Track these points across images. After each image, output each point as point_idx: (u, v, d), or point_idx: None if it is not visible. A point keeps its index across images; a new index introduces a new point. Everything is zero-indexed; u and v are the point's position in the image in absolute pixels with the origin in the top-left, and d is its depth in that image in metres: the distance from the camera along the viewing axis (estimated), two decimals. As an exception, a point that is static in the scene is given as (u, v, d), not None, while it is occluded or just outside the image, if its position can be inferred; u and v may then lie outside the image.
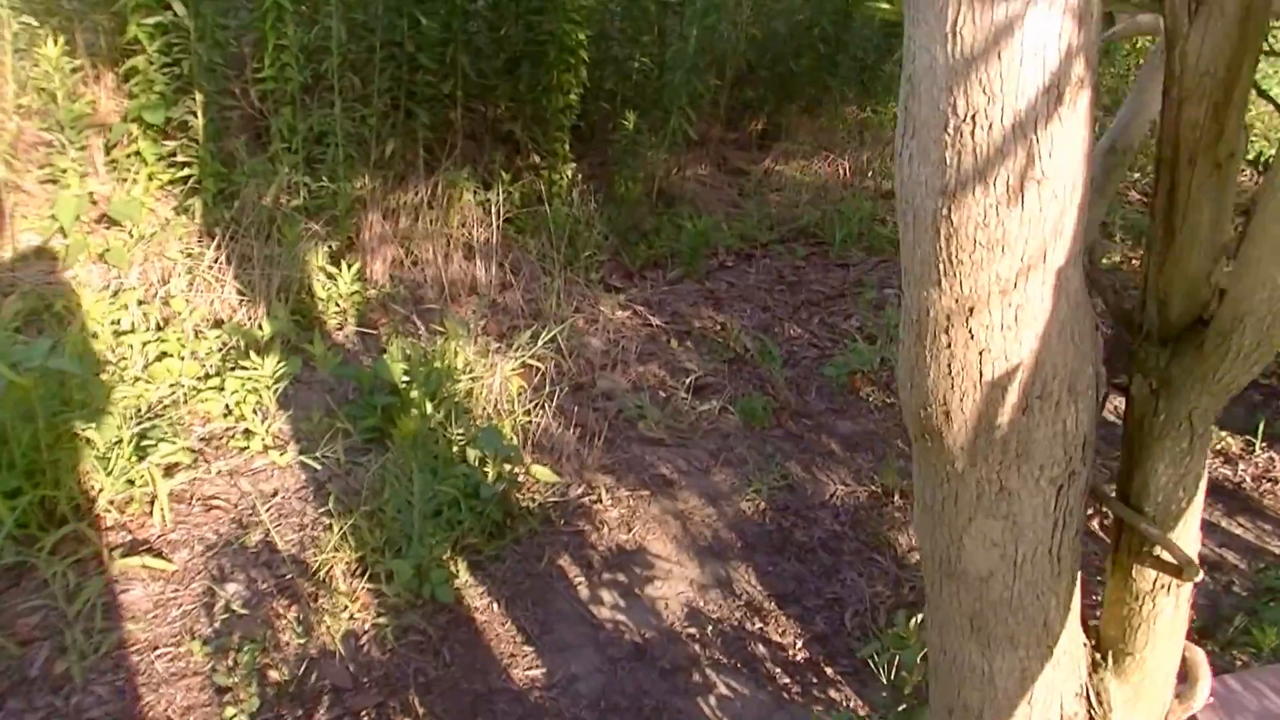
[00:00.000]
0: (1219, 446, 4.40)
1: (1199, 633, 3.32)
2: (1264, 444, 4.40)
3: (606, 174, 5.65)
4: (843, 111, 7.16)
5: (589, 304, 4.95)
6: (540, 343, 4.21)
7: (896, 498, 3.87)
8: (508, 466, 3.54)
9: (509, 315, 4.73)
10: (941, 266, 1.09)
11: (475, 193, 5.06)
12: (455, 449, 3.60)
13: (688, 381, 4.41)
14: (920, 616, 2.89)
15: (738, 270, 5.64)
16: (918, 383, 1.19)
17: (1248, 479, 4.22)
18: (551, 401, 4.02)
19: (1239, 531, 3.91)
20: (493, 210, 5.00)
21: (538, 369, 4.25)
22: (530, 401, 3.99)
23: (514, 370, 4.11)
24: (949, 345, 1.13)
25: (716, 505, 3.74)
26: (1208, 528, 3.85)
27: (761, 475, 3.90)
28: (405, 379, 3.81)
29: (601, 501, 3.67)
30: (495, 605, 3.18)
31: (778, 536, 3.63)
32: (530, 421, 3.90)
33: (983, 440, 1.15)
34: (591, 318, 4.84)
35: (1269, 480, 4.22)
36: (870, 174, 6.87)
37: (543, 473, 3.60)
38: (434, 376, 3.81)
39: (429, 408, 3.72)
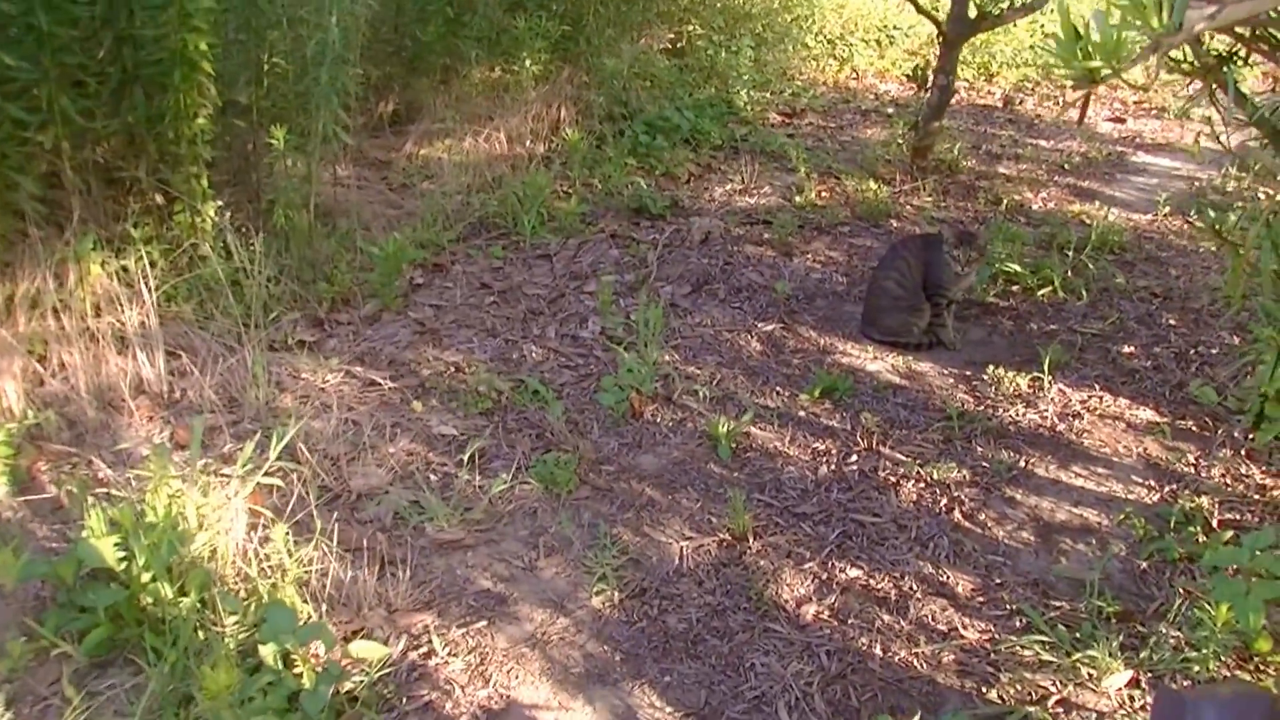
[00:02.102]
0: (1010, 389, 4.20)
1: (1118, 617, 3.06)
2: (1050, 377, 4.25)
3: (259, 205, 4.63)
4: (476, 77, 6.40)
5: (291, 375, 4.00)
6: (274, 453, 3.25)
7: (751, 541, 3.34)
8: (315, 646, 2.67)
9: (200, 415, 3.71)
10: None
11: (104, 264, 3.93)
12: (235, 645, 2.67)
13: (459, 456, 3.63)
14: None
15: (435, 288, 4.83)
16: None
17: (1054, 419, 4.04)
18: (324, 534, 3.11)
19: (1080, 482, 3.71)
20: (138, 281, 3.90)
21: (276, 487, 3.32)
22: (294, 540, 3.07)
23: (248, 497, 3.16)
24: None
25: (566, 612, 3.05)
26: (1048, 485, 3.62)
27: (596, 556, 3.24)
28: (122, 557, 2.79)
29: (436, 653, 2.87)
30: None
31: (654, 631, 2.99)
32: (309, 572, 2.99)
33: None
34: (303, 394, 3.91)
35: (1073, 415, 4.07)
36: (528, 142, 6.19)
37: (367, 649, 2.74)
38: (162, 544, 2.82)
39: (167, 590, 2.75)
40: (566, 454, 3.64)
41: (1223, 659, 2.90)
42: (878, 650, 2.96)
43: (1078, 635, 3.00)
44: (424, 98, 6.16)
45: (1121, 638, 2.97)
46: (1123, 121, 7.97)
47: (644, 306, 4.34)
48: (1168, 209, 6.08)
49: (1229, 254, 3.31)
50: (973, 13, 5.92)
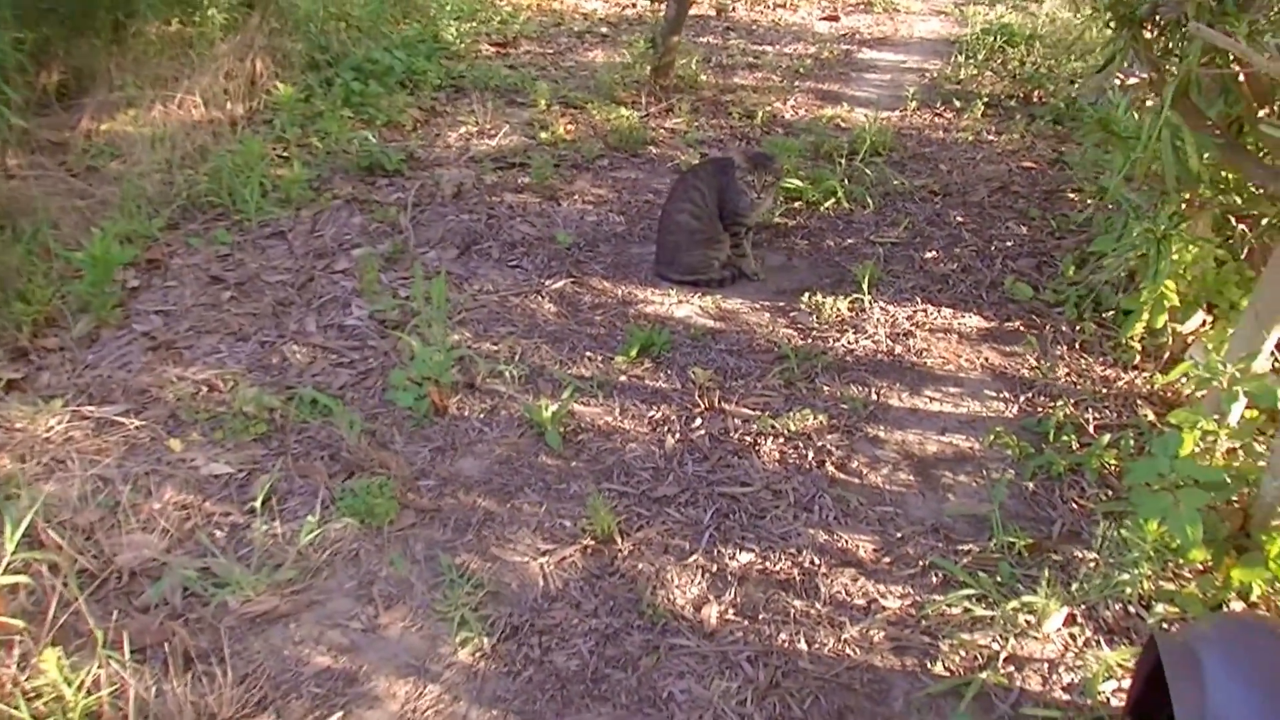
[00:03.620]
0: (832, 316, 3.90)
1: (1030, 550, 2.83)
2: (870, 297, 3.99)
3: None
4: (153, 33, 5.48)
5: (4, 428, 3.20)
6: (11, 540, 2.50)
7: (619, 541, 2.88)
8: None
9: (-108, 502, 2.88)
10: None
11: None
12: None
13: (245, 501, 2.97)
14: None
15: (156, 289, 4.04)
16: None
17: (888, 341, 3.78)
18: (104, 640, 2.41)
19: (937, 406, 3.46)
20: None
21: (23, 585, 2.58)
22: (66, 658, 2.36)
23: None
24: None
25: (433, 676, 2.50)
26: (907, 417, 3.36)
27: (446, 596, 2.70)
28: None
29: (290, 771, 2.27)
30: None
31: (544, 678, 2.50)
32: (99, 698, 2.30)
33: None
34: (24, 451, 3.11)
35: (905, 335, 3.82)
36: (227, 104, 5.36)
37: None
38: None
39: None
40: (377, 476, 3.05)
41: (1150, 576, 2.71)
42: (802, 645, 2.59)
43: (999, 579, 2.75)
44: (94, 62, 5.21)
45: (1046, 573, 2.72)
46: (836, 19, 7.87)
47: (418, 280, 3.74)
48: (915, 104, 5.96)
49: (1118, 148, 3.08)
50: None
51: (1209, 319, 3.64)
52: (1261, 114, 2.96)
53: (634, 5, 6.79)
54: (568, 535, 2.92)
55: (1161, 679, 2.28)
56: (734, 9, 8.09)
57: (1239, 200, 3.23)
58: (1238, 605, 2.71)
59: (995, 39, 6.93)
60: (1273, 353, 3.07)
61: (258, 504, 2.90)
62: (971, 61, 6.68)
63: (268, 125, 5.31)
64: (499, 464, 3.19)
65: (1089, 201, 4.80)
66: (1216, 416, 2.91)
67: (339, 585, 2.74)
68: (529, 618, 2.66)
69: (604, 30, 7.48)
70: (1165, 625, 2.66)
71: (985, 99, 5.96)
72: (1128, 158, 2.85)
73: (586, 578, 2.79)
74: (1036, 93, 6.18)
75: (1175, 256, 3.12)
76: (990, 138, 5.56)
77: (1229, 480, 2.70)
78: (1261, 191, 3.19)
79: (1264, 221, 3.23)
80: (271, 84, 5.54)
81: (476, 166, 5.06)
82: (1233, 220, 3.37)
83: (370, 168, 4.99)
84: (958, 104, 5.98)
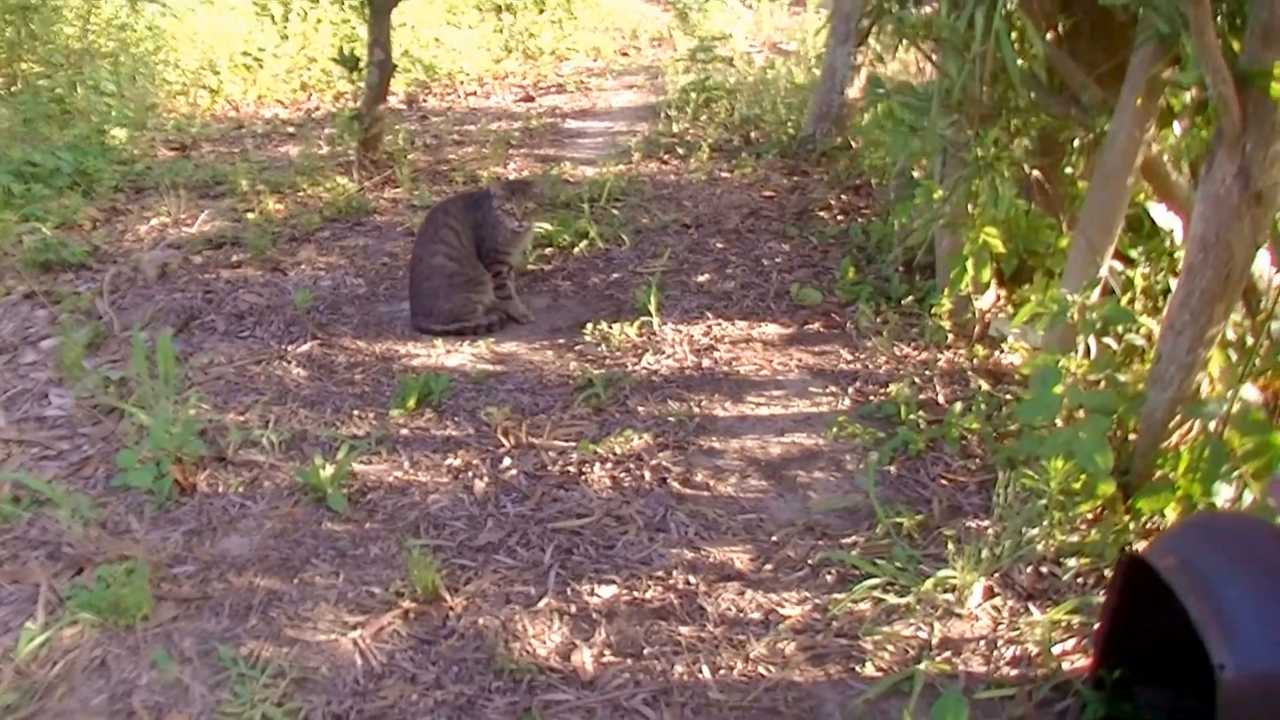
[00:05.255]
0: (622, 342, 3.52)
1: (919, 529, 2.49)
2: (658, 320, 3.64)
3: None
4: None
5: None
6: None
7: (449, 598, 2.33)
8: None
9: None
10: None
11: None
12: None
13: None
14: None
15: None
16: None
17: (692, 357, 3.43)
18: None
19: (766, 410, 3.12)
20: None
21: None
22: None
23: None
24: None
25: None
26: (738, 424, 3.01)
27: (237, 695, 2.08)
28: None
29: None
30: None
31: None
32: None
33: None
34: None
35: (707, 350, 3.49)
36: None
37: None
38: None
39: None
40: (123, 564, 2.37)
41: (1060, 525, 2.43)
42: (705, 673, 2.13)
43: (899, 565, 2.38)
44: None
45: (950, 547, 2.39)
46: (532, 99, 7.67)
47: (138, 353, 3.09)
48: (639, 155, 5.77)
49: (948, 55, 2.86)
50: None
51: (1001, 293, 3.52)
52: (1049, 36, 2.86)
53: (318, 108, 6.35)
54: (379, 602, 2.35)
55: (1126, 610, 1.98)
56: (424, 100, 7.73)
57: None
58: (1140, 545, 2.46)
59: (698, 96, 6.91)
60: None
61: (-45, 626, 2.16)
62: (683, 116, 6.60)
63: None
64: (273, 538, 2.58)
65: (839, 218, 4.70)
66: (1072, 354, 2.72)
67: (83, 702, 2.05)
68: (353, 703, 2.07)
69: (290, 130, 6.92)
70: (1080, 579, 2.38)
71: (709, 143, 5.85)
72: (962, 65, 2.65)
73: (415, 645, 2.22)
74: (753, 134, 6.15)
75: (997, 193, 2.93)
76: (724, 174, 5.43)
77: (1122, 400, 2.49)
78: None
79: (1075, 142, 3.13)
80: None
81: (185, 248, 4.40)
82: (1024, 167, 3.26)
83: (47, 264, 4.23)
84: (681, 152, 5.84)
